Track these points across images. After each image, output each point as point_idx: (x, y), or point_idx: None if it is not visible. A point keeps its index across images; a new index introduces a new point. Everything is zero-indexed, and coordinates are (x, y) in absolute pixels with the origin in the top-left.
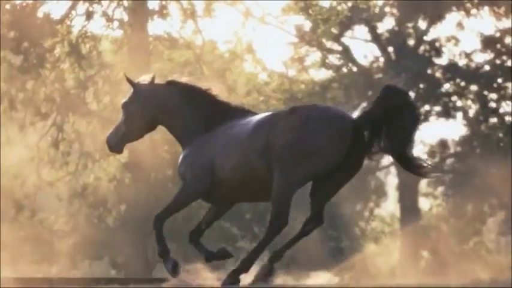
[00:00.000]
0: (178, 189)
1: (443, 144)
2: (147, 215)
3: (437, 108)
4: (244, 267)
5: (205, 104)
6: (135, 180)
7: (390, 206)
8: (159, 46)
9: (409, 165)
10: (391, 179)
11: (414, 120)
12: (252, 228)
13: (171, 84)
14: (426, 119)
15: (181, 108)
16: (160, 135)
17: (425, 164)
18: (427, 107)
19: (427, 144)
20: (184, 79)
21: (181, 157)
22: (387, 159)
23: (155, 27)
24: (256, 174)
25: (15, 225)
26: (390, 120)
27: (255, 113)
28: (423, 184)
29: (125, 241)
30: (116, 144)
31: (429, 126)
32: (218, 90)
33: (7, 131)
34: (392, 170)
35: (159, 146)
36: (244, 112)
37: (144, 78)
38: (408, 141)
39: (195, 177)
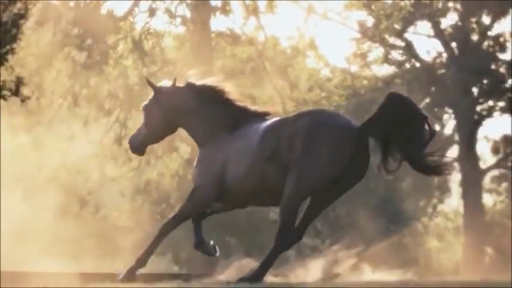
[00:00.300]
0: (188, 196)
1: (507, 139)
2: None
3: (501, 104)
4: (252, 278)
5: (223, 107)
6: None
7: (454, 202)
8: (221, 42)
9: (423, 169)
10: (454, 175)
11: (422, 129)
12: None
13: (190, 86)
14: (490, 114)
15: (199, 111)
16: None
17: (437, 163)
18: (490, 103)
19: (490, 140)
20: (212, 79)
21: (196, 160)
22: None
23: (218, 23)
24: (267, 182)
25: (79, 220)
26: (398, 130)
27: (269, 118)
28: (487, 180)
29: (187, 237)
30: (137, 146)
31: (493, 122)
32: (236, 94)
33: (71, 127)
34: (456, 166)
35: None
36: (260, 116)
37: (166, 83)
38: (420, 149)
39: (205, 186)
